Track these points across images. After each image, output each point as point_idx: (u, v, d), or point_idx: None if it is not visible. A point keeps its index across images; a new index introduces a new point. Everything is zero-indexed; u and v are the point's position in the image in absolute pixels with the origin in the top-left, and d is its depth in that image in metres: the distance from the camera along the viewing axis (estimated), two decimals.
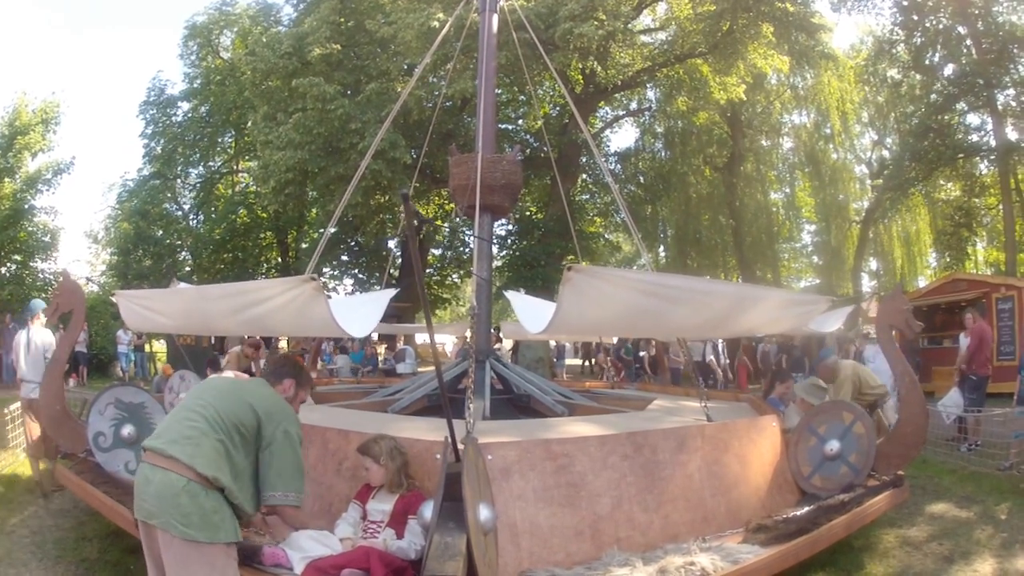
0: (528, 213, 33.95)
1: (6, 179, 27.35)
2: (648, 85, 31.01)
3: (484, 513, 4.36)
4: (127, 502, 5.88)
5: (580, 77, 27.70)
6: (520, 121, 33.62)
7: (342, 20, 26.37)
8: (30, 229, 28.20)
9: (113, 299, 8.70)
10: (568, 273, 5.37)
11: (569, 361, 36.28)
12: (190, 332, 15.99)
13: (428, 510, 4.67)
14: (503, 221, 28.70)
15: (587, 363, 34.10)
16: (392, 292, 10.64)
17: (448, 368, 10.18)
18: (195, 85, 38.65)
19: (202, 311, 7.37)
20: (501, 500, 5.12)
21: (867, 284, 41.45)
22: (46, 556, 6.81)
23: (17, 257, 28.32)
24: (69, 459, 7.55)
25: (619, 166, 37.05)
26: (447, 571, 3.42)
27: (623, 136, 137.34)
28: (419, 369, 19.96)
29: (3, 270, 28.17)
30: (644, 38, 29.22)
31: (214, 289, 8.74)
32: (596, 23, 22.22)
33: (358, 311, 8.48)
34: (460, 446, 4.79)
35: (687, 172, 35.24)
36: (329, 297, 6.28)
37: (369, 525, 5.19)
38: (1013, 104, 26.97)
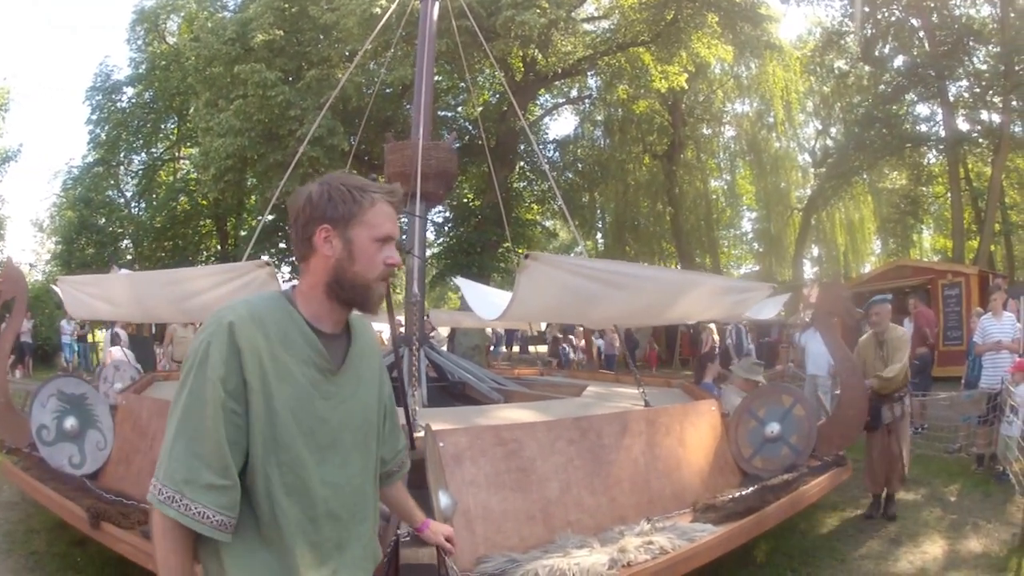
0: (465, 200, 33.94)
1: None
2: (589, 73, 31.03)
3: (444, 500, 4.40)
4: (74, 497, 6.00)
5: (520, 64, 27.81)
6: (459, 108, 33.48)
7: (286, 6, 26.12)
8: None
9: (54, 287, 8.62)
10: (526, 261, 5.50)
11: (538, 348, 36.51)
12: (133, 320, 15.77)
13: None
14: (439, 208, 28.84)
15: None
16: None
17: (383, 355, 10.30)
18: (140, 70, 38.00)
19: (148, 298, 7.39)
20: (454, 486, 5.02)
21: (809, 271, 42.00)
22: None
23: None
24: (14, 454, 7.35)
25: (558, 153, 37.09)
26: (422, 559, 3.48)
27: (562, 123, 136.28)
28: None
29: None
30: (587, 26, 29.34)
31: (163, 275, 8.74)
32: (538, 11, 22.33)
33: None
34: (417, 433, 4.77)
35: (626, 160, 35.59)
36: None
37: None
38: (965, 95, 27.43)
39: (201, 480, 1.95)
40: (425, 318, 7.14)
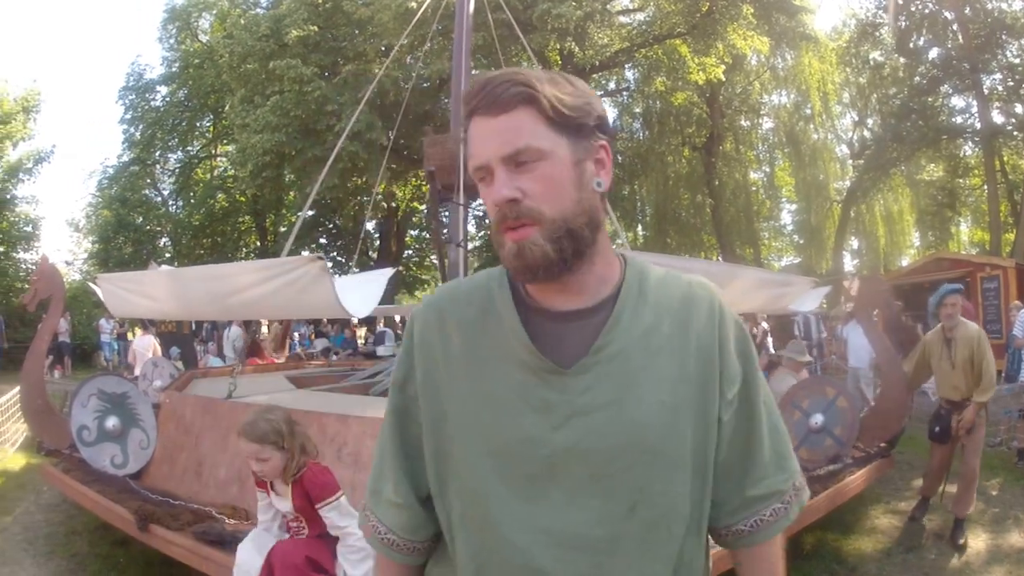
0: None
1: None
2: (626, 66, 30.95)
3: None
4: (119, 499, 5.89)
5: (558, 58, 27.64)
6: None
7: (320, 1, 26.23)
8: (12, 219, 27.93)
9: (94, 286, 8.51)
10: None
11: None
12: (176, 317, 15.72)
13: None
14: (479, 201, 28.64)
15: None
16: (390, 271, 10.46)
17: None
18: (173, 69, 38.16)
19: (189, 294, 7.27)
20: None
21: (849, 263, 41.55)
22: (38, 552, 6.80)
23: (0, 248, 28.04)
24: (53, 456, 7.12)
25: None
26: None
27: None
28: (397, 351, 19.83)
29: None
30: (622, 18, 29.18)
31: (204, 271, 8.62)
32: (574, 3, 22.22)
33: (357, 291, 8.39)
34: None
35: (665, 152, 35.18)
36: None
37: (290, 524, 4.28)
38: (999, 88, 27.09)
39: (383, 493, 1.67)
40: None
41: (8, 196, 27.89)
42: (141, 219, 36.91)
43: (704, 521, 1.57)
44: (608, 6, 25.85)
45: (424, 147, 10.39)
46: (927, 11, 27.84)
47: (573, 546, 1.45)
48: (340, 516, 3.96)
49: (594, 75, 30.34)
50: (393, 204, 33.97)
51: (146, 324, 16.88)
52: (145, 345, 16.41)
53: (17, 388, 10.87)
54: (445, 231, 9.79)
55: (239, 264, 8.39)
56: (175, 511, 5.51)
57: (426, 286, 41.35)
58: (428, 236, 39.57)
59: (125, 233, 35.46)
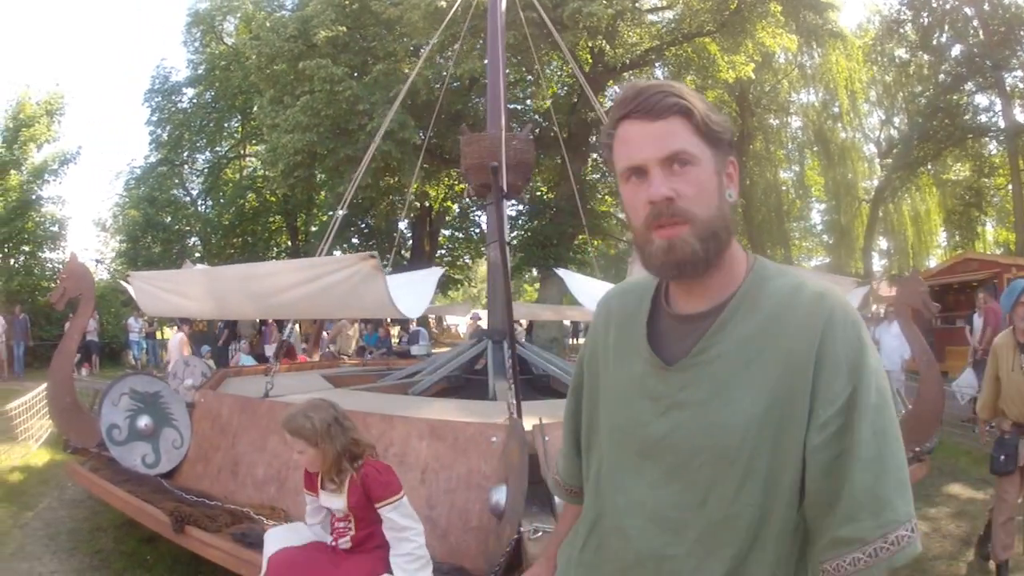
0: (539, 193, 33.74)
1: (12, 171, 27.21)
2: (656, 64, 30.81)
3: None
4: (152, 498, 5.74)
5: (588, 57, 27.55)
6: (528, 101, 33.32)
7: (347, 2, 26.28)
8: (37, 219, 28.06)
9: (124, 284, 8.43)
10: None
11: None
12: (212, 316, 15.62)
13: (499, 495, 4.35)
14: (513, 201, 28.64)
15: None
16: (439, 271, 10.43)
17: (465, 349, 10.06)
18: (199, 71, 38.49)
19: (227, 293, 7.20)
20: None
21: (877, 263, 41.26)
22: (60, 548, 6.70)
23: (25, 248, 28.20)
24: (80, 454, 6.99)
25: None
26: None
27: None
28: (432, 351, 19.77)
29: (12, 261, 28.08)
30: (651, 17, 29.06)
31: (243, 269, 8.55)
32: (605, 2, 22.13)
33: (408, 291, 8.30)
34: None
35: None
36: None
37: (336, 524, 4.05)
38: (1021, 86, 26.82)
39: (564, 448, 2.11)
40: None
41: (34, 196, 27.98)
42: (170, 219, 37.14)
43: (773, 541, 1.56)
44: (637, 4, 25.69)
45: (462, 145, 10.42)
46: (948, 6, 27.59)
47: (652, 520, 1.64)
48: (401, 516, 3.82)
49: (624, 74, 30.29)
50: (426, 204, 33.91)
51: (179, 322, 16.86)
52: (176, 343, 16.40)
53: (42, 386, 10.83)
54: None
55: (283, 263, 8.29)
56: (213, 512, 5.38)
57: (460, 286, 41.26)
58: (461, 236, 39.64)
59: (153, 232, 35.71)
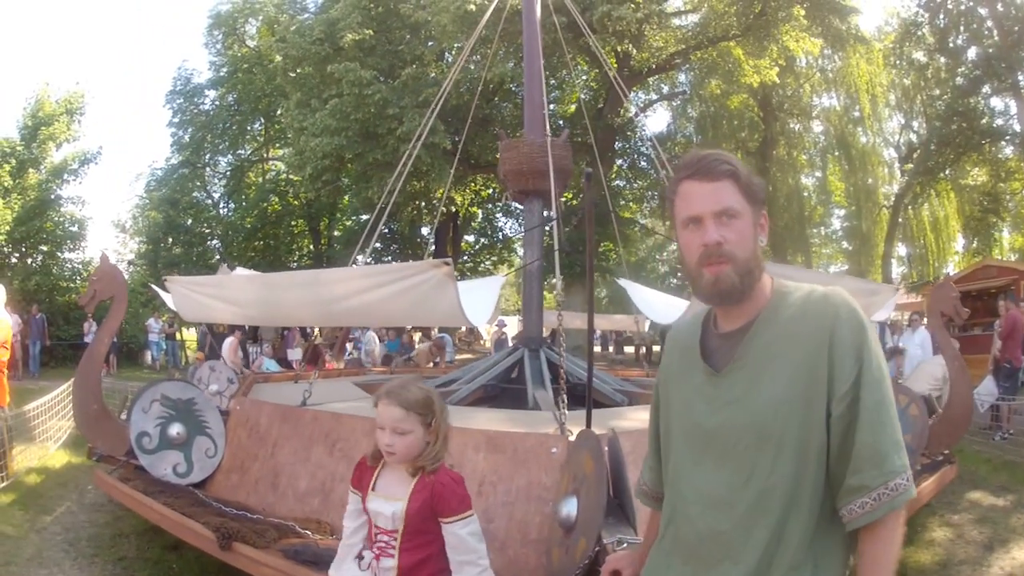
0: (564, 199, 33.31)
1: (31, 170, 27.12)
2: (681, 68, 30.79)
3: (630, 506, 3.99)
4: (191, 512, 5.50)
5: (614, 61, 27.49)
6: (552, 106, 33.11)
7: (372, 5, 26.27)
8: (57, 219, 27.89)
9: (155, 287, 8.33)
10: None
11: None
12: (261, 323, 15.45)
13: (569, 507, 4.13)
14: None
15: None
16: (501, 279, 10.46)
17: (500, 358, 9.95)
18: (221, 74, 38.56)
19: (284, 300, 7.09)
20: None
21: (895, 270, 41.02)
22: (80, 555, 6.57)
23: (44, 247, 28.11)
24: (107, 462, 6.64)
25: (652, 151, 36.42)
26: None
27: (655, 121, 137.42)
28: (456, 357, 19.68)
29: (30, 261, 28.03)
30: (676, 21, 28.98)
31: (303, 276, 8.48)
32: (633, 6, 22.11)
33: (472, 297, 8.23)
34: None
35: None
36: None
37: (379, 537, 3.22)
38: None
39: (647, 460, 2.51)
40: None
41: (53, 196, 27.86)
42: (191, 221, 37.16)
43: (807, 502, 1.93)
44: (663, 8, 25.61)
45: (500, 151, 10.39)
46: (963, 7, 27.45)
47: (711, 503, 2.03)
48: (471, 536, 3.18)
49: (650, 78, 30.19)
50: (452, 209, 33.85)
51: (231, 327, 16.89)
52: (229, 347, 16.34)
53: (61, 386, 10.76)
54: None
55: (346, 270, 8.11)
56: (260, 527, 5.13)
57: None
58: (485, 241, 39.57)
59: (174, 234, 35.79)
